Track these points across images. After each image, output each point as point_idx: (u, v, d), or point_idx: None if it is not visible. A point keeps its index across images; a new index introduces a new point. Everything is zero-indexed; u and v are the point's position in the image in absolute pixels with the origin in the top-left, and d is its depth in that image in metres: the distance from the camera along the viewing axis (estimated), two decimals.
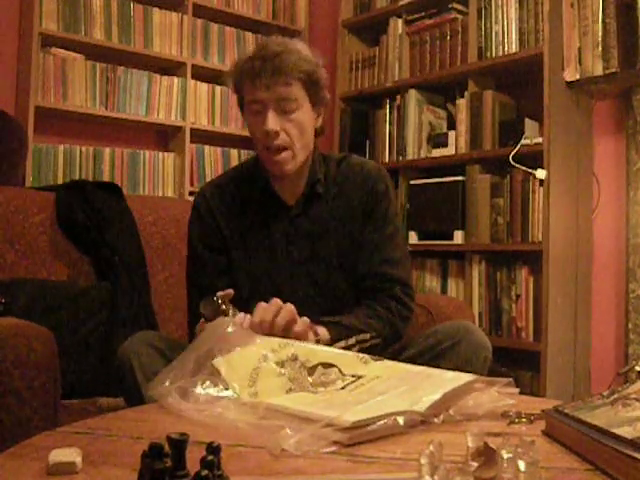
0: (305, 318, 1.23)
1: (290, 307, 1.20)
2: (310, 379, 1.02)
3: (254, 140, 1.39)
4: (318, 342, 1.23)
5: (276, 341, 1.08)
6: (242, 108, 1.41)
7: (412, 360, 1.21)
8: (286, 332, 1.17)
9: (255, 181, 1.46)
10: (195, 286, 1.45)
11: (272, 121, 1.31)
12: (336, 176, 1.46)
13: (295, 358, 1.04)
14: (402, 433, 0.84)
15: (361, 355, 1.10)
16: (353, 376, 1.02)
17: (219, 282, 1.37)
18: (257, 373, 1.02)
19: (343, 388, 0.99)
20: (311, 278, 1.42)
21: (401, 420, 0.83)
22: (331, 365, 1.05)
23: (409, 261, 1.51)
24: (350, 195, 1.45)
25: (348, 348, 1.26)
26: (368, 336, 1.32)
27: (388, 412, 0.84)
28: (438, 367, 1.10)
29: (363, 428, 0.81)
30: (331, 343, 1.25)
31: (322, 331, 1.26)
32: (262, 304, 1.19)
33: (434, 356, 1.31)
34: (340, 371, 1.05)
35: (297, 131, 1.34)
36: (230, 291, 1.23)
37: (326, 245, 1.43)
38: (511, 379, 0.99)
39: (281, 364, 1.04)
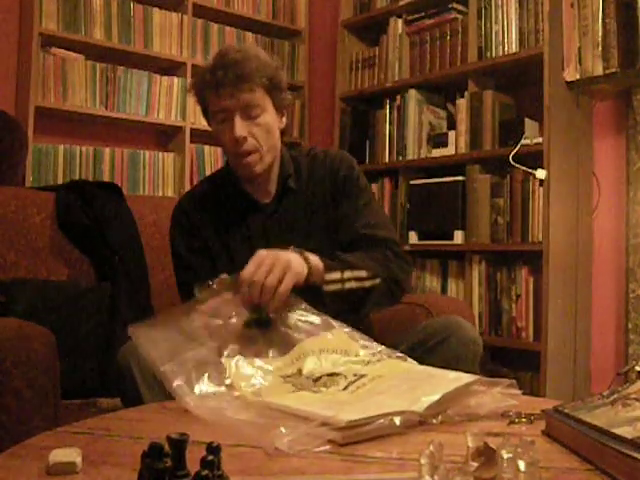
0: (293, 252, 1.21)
1: (283, 262, 1.16)
2: (314, 386, 1.02)
3: (223, 147, 1.44)
4: (310, 269, 1.20)
5: (280, 361, 1.08)
6: (207, 118, 1.47)
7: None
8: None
9: (228, 187, 1.50)
10: (186, 290, 1.44)
11: (239, 128, 1.35)
12: (305, 170, 1.50)
13: (299, 373, 1.04)
14: (401, 433, 0.84)
15: (366, 360, 1.09)
16: (355, 375, 1.03)
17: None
18: (262, 378, 1.03)
19: (345, 388, 0.99)
20: None
21: (397, 420, 0.83)
22: (337, 374, 1.05)
23: (392, 225, 1.51)
24: (319, 185, 1.49)
25: (342, 282, 1.24)
26: (364, 273, 1.29)
27: (384, 412, 0.84)
28: (428, 363, 1.11)
29: (358, 428, 0.81)
30: (323, 273, 1.23)
31: (314, 259, 1.24)
32: (256, 257, 1.16)
33: (424, 351, 1.30)
34: (345, 377, 1.06)
35: (264, 134, 1.38)
36: (224, 276, 1.22)
37: (305, 237, 1.44)
38: (514, 381, 0.99)
39: (285, 377, 1.05)
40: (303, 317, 1.15)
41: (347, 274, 1.27)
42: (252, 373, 1.03)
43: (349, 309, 1.30)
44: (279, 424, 0.81)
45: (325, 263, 1.26)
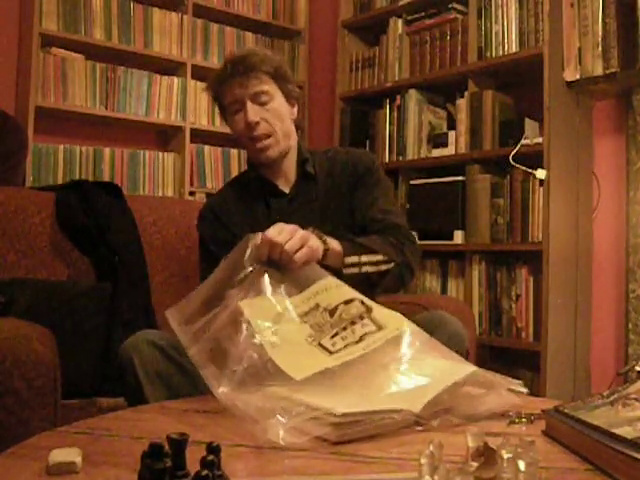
0: (312, 234, 1.22)
1: (303, 233, 1.18)
2: (331, 320, 1.03)
3: (240, 138, 1.52)
4: (327, 251, 1.23)
5: (298, 298, 1.08)
6: (224, 115, 1.55)
7: None
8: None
9: (252, 180, 1.58)
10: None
11: (251, 113, 1.45)
12: (324, 162, 1.59)
13: (317, 306, 1.04)
14: (401, 433, 0.84)
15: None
16: (375, 323, 1.01)
17: None
18: (279, 318, 1.03)
19: (361, 339, 0.98)
20: None
21: (392, 420, 0.83)
22: (352, 300, 1.06)
23: (405, 215, 1.55)
24: (339, 175, 1.56)
25: (359, 265, 1.27)
26: (380, 257, 1.33)
27: (380, 408, 0.84)
28: None
29: (353, 426, 0.81)
30: (342, 257, 1.26)
31: (332, 241, 1.26)
32: (278, 225, 1.18)
33: None
34: (362, 302, 1.05)
35: (276, 118, 1.48)
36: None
37: (323, 224, 1.48)
38: (521, 381, 0.98)
39: (303, 315, 1.05)
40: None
41: (364, 258, 1.31)
42: (269, 312, 1.03)
43: (363, 291, 1.33)
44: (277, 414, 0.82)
45: (344, 247, 1.29)
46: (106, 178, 2.89)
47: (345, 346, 0.98)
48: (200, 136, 3.23)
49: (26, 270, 1.73)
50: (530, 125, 2.51)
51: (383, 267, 1.33)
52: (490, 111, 2.62)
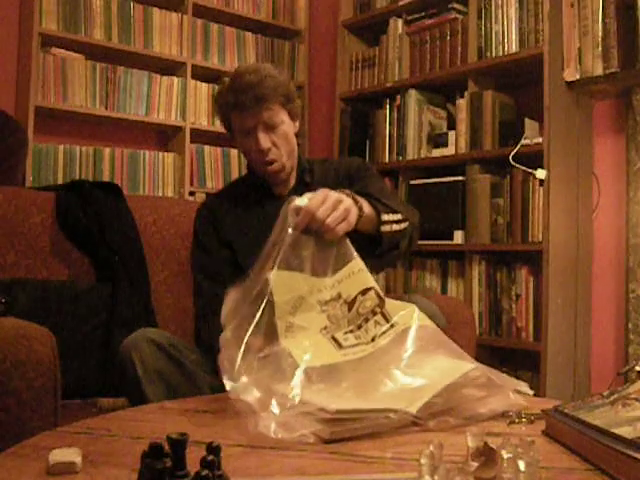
0: (345, 196, 1.19)
1: (346, 207, 1.15)
2: (348, 315, 1.05)
3: (247, 157, 1.58)
4: (361, 217, 1.20)
5: (323, 283, 1.08)
6: (230, 131, 1.58)
7: None
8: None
9: (250, 183, 1.63)
10: (202, 273, 1.54)
11: (263, 141, 1.49)
12: (321, 170, 1.65)
13: (339, 297, 1.06)
14: (401, 433, 0.84)
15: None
16: (387, 321, 1.04)
17: (225, 270, 1.47)
18: (300, 303, 1.05)
19: (373, 340, 1.01)
20: None
21: (388, 420, 0.83)
22: (368, 289, 1.07)
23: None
24: (333, 178, 1.60)
25: (391, 223, 1.29)
26: (401, 216, 1.34)
27: (377, 407, 0.84)
28: None
29: (347, 424, 0.81)
30: (374, 220, 1.26)
31: (367, 207, 1.25)
32: (322, 192, 1.15)
33: None
34: (377, 294, 1.07)
35: (283, 141, 1.53)
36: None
37: None
38: (526, 383, 0.98)
39: (324, 303, 1.06)
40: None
41: (392, 216, 1.31)
42: (293, 292, 1.04)
43: (390, 251, 1.36)
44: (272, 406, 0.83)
45: (374, 206, 1.28)
46: (106, 178, 2.89)
47: (356, 344, 1.01)
48: (200, 136, 3.23)
49: (26, 270, 1.73)
50: (530, 125, 2.51)
51: (403, 225, 1.34)
52: (490, 111, 2.62)
